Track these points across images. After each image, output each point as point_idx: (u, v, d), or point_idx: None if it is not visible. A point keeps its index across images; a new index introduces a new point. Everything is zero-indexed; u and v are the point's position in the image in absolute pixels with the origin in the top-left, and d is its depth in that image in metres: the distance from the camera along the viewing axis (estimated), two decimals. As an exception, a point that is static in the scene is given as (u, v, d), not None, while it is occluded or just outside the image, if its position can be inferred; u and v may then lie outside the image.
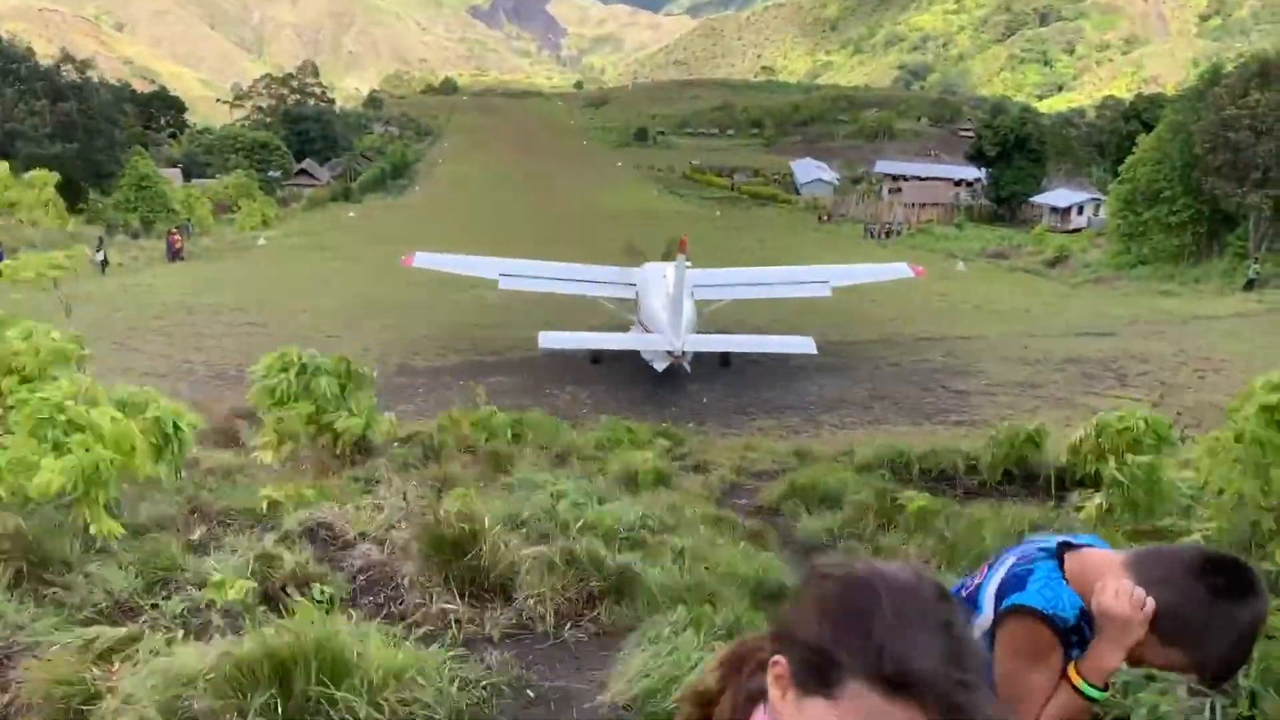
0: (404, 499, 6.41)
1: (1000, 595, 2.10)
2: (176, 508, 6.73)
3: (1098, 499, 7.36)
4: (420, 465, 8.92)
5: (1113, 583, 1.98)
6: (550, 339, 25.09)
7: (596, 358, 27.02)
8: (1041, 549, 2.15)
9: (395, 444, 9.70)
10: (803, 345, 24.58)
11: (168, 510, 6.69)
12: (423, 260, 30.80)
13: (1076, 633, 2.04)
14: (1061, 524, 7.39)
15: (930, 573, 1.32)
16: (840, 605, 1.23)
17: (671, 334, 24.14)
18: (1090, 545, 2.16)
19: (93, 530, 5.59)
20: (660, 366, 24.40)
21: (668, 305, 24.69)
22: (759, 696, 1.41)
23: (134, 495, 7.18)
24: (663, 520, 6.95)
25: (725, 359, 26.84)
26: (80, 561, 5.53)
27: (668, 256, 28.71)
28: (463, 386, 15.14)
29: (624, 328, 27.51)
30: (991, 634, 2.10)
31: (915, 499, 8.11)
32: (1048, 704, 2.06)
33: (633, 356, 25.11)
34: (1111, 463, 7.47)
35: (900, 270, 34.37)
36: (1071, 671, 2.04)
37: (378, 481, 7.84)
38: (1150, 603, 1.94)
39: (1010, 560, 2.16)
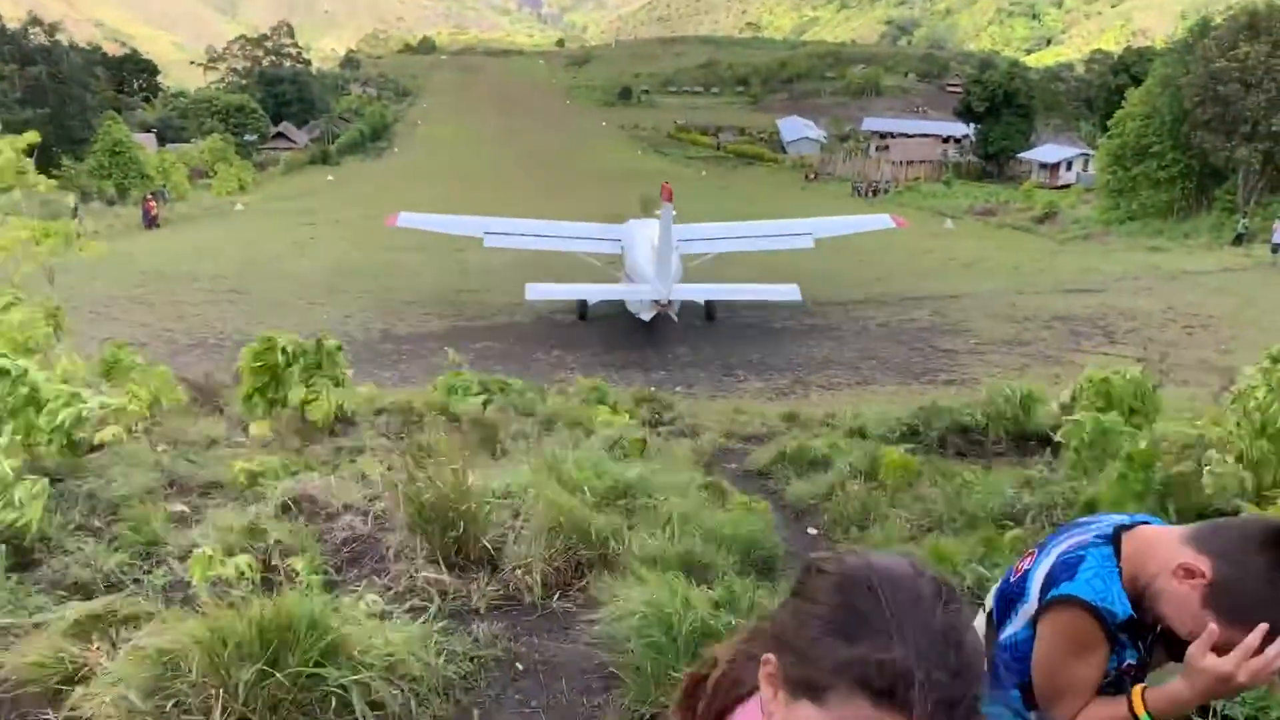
0: (387, 468, 6.29)
1: (1048, 583, 1.96)
2: (156, 480, 6.59)
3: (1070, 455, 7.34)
4: (403, 434, 8.79)
5: (1238, 653, 1.78)
6: (537, 290, 25.52)
7: (583, 313, 27.38)
8: (1097, 535, 2.00)
9: (378, 413, 9.57)
10: (789, 293, 25.25)
11: (146, 482, 6.55)
12: (406, 220, 30.70)
13: (1126, 629, 1.91)
14: (1052, 486, 7.33)
15: (930, 568, 1.23)
16: (832, 607, 1.18)
17: (658, 282, 24.55)
18: (1145, 523, 2.03)
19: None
20: (647, 316, 24.95)
21: (653, 256, 24.92)
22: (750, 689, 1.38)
23: (109, 468, 7.05)
24: (651, 484, 6.86)
25: (710, 313, 27.38)
26: (61, 536, 5.41)
27: (649, 211, 29.39)
28: (446, 353, 14.99)
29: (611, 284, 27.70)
30: (1034, 622, 1.98)
31: (898, 457, 8.05)
32: (1090, 705, 1.94)
33: (620, 314, 25.38)
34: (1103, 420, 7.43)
35: (883, 221, 34.85)
36: (1136, 698, 1.90)
37: (360, 451, 7.72)
38: (1270, 666, 1.77)
39: (1062, 545, 2.01)
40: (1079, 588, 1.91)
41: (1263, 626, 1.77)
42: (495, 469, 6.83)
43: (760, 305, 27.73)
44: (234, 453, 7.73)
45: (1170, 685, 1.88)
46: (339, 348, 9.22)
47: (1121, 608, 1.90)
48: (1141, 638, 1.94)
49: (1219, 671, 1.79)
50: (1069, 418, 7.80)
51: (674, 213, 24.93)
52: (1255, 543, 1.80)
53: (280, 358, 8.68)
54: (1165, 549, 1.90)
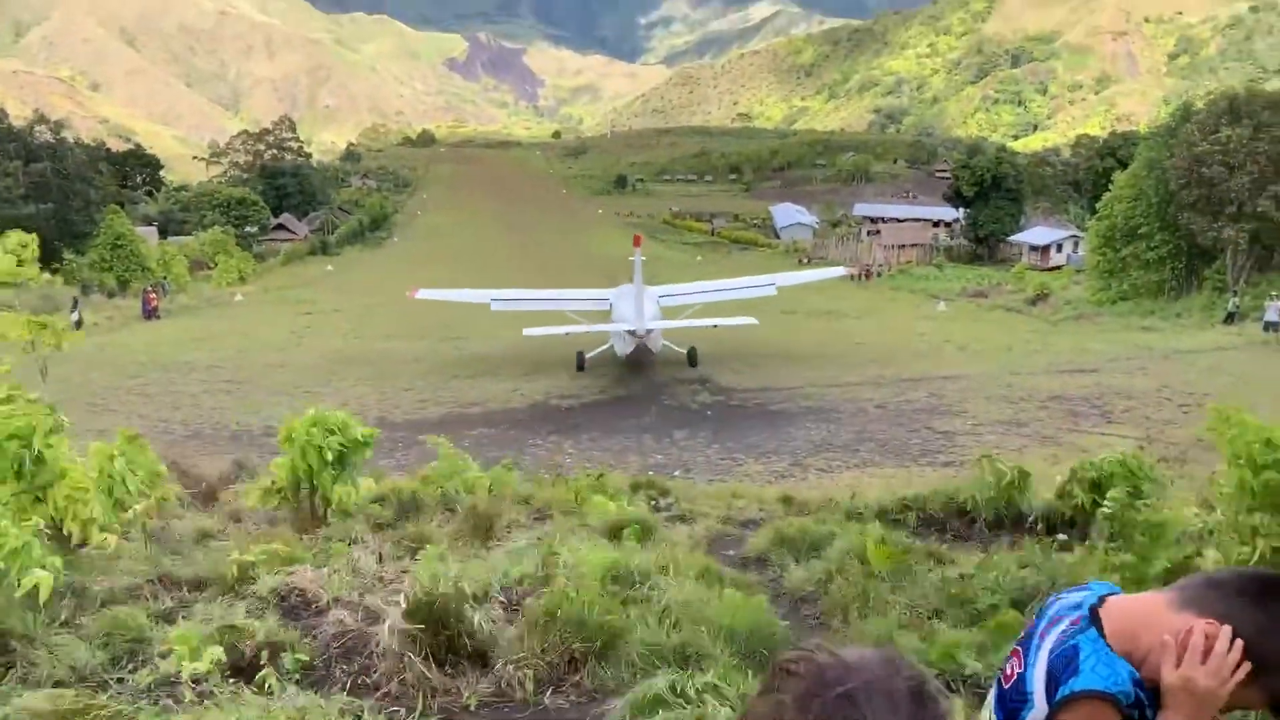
0: (378, 559, 6.21)
1: (1051, 683, 1.88)
2: (143, 577, 6.50)
3: (1091, 542, 7.27)
4: (396, 524, 8.70)
5: (1192, 653, 1.78)
6: (533, 332, 30.74)
7: (581, 365, 31.26)
8: (1072, 617, 1.94)
9: (371, 501, 9.49)
10: (747, 321, 32.05)
11: (134, 580, 6.46)
12: (425, 294, 35.92)
13: (1137, 706, 1.85)
14: (1053, 569, 7.25)
15: (908, 663, 1.18)
16: (800, 711, 1.13)
17: (635, 318, 29.24)
18: (1112, 594, 1.99)
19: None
20: (626, 350, 29.94)
21: (631, 297, 29.96)
22: None
23: (101, 564, 6.96)
24: (647, 573, 6.76)
25: (692, 360, 31.75)
26: (43, 634, 5.31)
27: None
28: (443, 441, 14.92)
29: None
30: None
31: (896, 542, 7.96)
32: None
33: (615, 402, 25.74)
34: (1101, 501, 7.38)
35: (836, 271, 45.21)
36: None
37: (353, 542, 7.63)
38: (1242, 664, 1.76)
39: (1049, 640, 1.94)
40: (1089, 680, 1.84)
41: (1200, 624, 1.78)
42: (489, 558, 6.74)
43: (760, 388, 28.24)
44: (227, 546, 7.64)
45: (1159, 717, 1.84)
46: (373, 435, 9.14)
47: (1129, 684, 1.84)
48: (1148, 707, 1.87)
49: (1182, 682, 1.77)
50: (1061, 501, 7.73)
51: (643, 258, 30.28)
52: (1252, 596, 1.78)
53: (324, 440, 8.56)
54: (1159, 618, 1.86)
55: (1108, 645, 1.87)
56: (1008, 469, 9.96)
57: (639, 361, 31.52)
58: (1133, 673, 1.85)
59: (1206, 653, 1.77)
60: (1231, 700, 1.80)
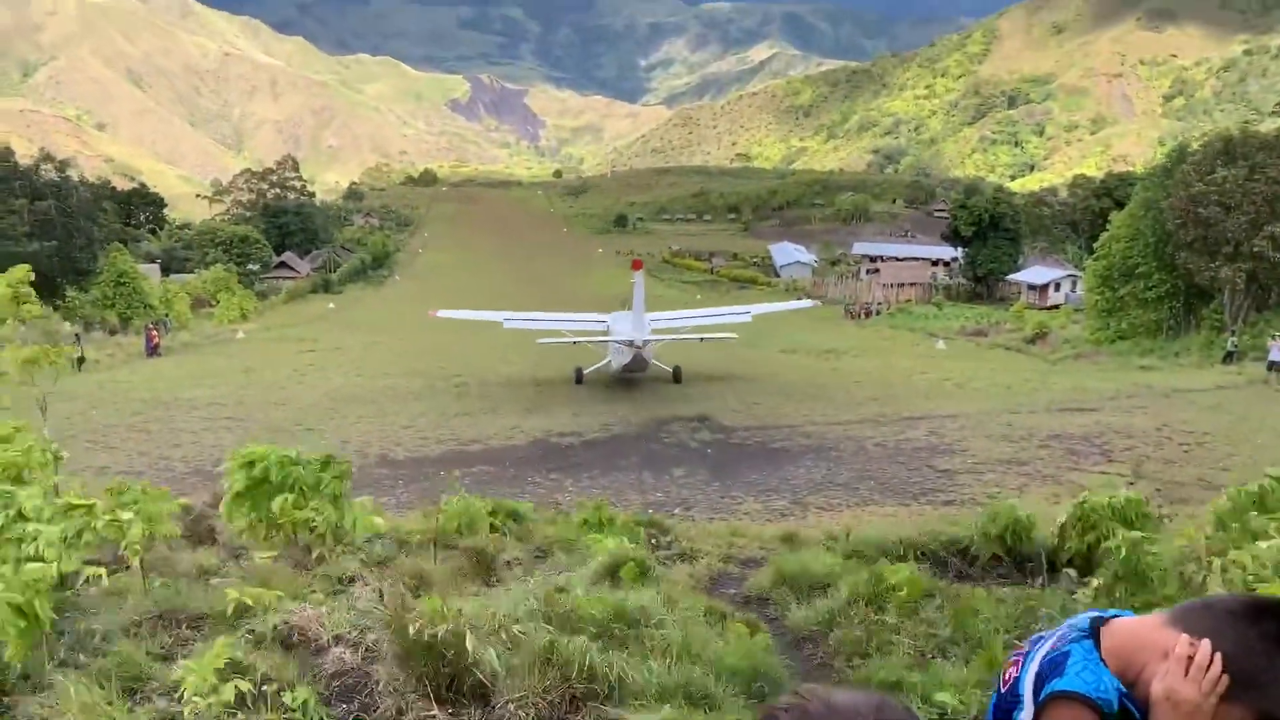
0: (379, 598, 6.19)
1: (1039, 684, 1.95)
2: (142, 614, 6.48)
3: (1096, 580, 7.26)
4: (397, 561, 8.68)
5: (1174, 665, 1.82)
6: (545, 340, 36.12)
7: (580, 379, 35.07)
8: (1075, 629, 2.01)
9: (371, 539, 9.46)
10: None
11: (135, 616, 6.44)
12: (444, 313, 41.61)
13: (1123, 717, 1.89)
14: (1058, 608, 7.23)
15: (897, 706, 1.18)
16: None
17: (634, 330, 33.23)
18: (1116, 616, 2.04)
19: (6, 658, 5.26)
20: (623, 361, 33.76)
21: (630, 313, 33.93)
22: None
23: (100, 601, 6.93)
24: (649, 612, 6.74)
25: (677, 376, 35.52)
26: (40, 675, 5.28)
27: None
28: (444, 477, 14.92)
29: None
30: None
31: (899, 580, 7.93)
32: None
33: (615, 439, 25.74)
34: (1104, 539, 7.40)
35: (806, 303, 52.27)
36: None
37: (353, 579, 7.61)
38: (1222, 676, 1.78)
39: (1045, 646, 2.01)
40: (1070, 682, 1.89)
41: (1184, 638, 1.81)
42: (490, 596, 6.72)
43: (759, 425, 28.26)
44: (226, 582, 7.61)
45: None
46: (345, 466, 9.13)
47: (1114, 696, 1.88)
48: None
49: (1165, 693, 1.81)
50: (1062, 540, 7.73)
51: (644, 279, 34.53)
52: (1245, 618, 1.82)
53: (271, 471, 8.58)
54: (1150, 637, 1.90)
55: (1100, 658, 1.92)
56: (1011, 511, 9.96)
57: (632, 379, 35.33)
58: (1119, 687, 1.89)
59: (1189, 666, 1.81)
60: (1217, 717, 1.82)
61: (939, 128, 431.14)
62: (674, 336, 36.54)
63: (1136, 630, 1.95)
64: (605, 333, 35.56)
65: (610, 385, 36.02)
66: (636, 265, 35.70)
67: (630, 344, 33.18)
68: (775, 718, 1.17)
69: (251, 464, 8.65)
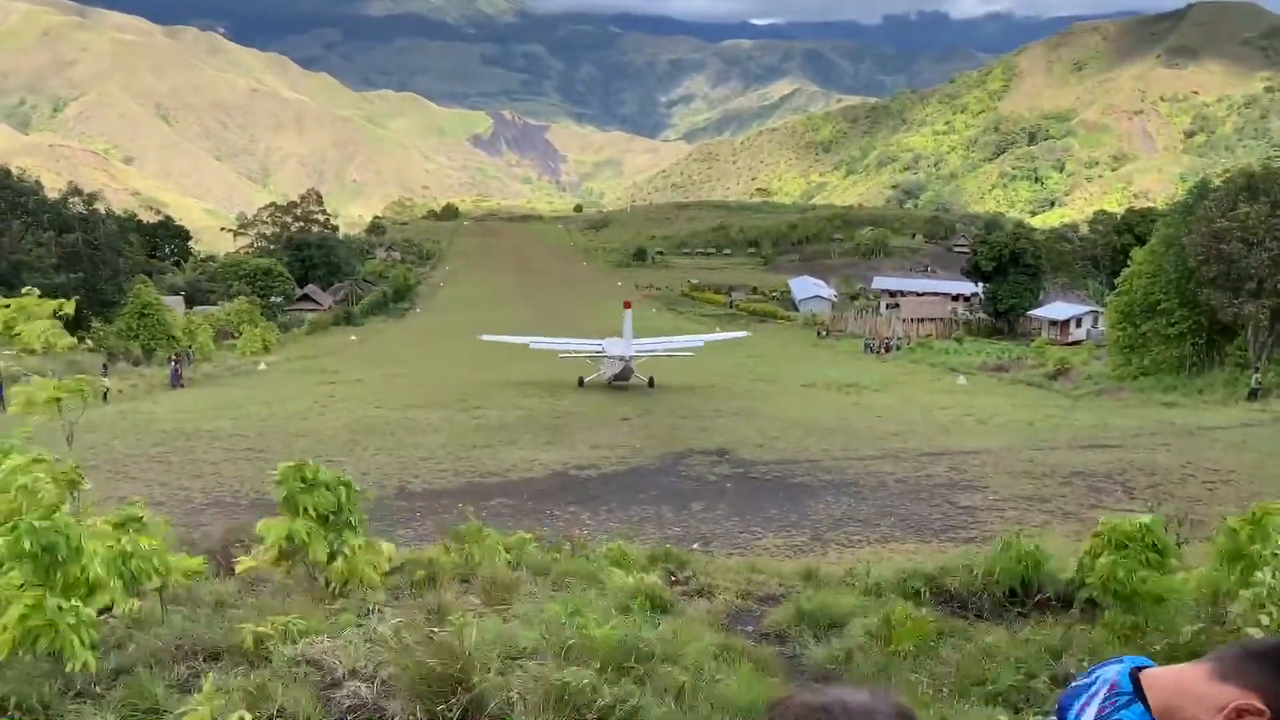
0: (395, 631, 6.19)
1: None
2: (162, 644, 6.50)
3: (1114, 617, 7.20)
4: (413, 594, 8.67)
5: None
6: (555, 350, 48.71)
7: (581, 383, 45.50)
8: (1120, 691, 1.89)
9: (389, 571, 9.47)
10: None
11: (153, 647, 6.46)
12: (487, 338, 54.34)
13: None
14: (1076, 645, 7.14)
15: (893, 699, 1.20)
16: None
17: (622, 350, 44.37)
18: (1144, 666, 1.95)
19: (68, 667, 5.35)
20: (613, 372, 44.45)
21: (620, 339, 45.13)
22: None
23: (119, 632, 6.96)
24: (665, 649, 6.70)
25: (651, 383, 45.14)
26: (59, 705, 5.31)
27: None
28: (461, 510, 14.92)
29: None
30: None
31: (918, 619, 7.87)
32: None
33: (632, 472, 25.77)
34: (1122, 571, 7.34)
35: (742, 334, 64.93)
36: None
37: (370, 612, 7.61)
38: None
39: (1090, 712, 1.89)
40: None
41: (1238, 702, 1.72)
42: (506, 630, 6.70)
43: (779, 460, 28.14)
44: (243, 615, 7.63)
45: None
46: (356, 491, 9.18)
47: None
48: None
49: None
50: (1079, 575, 7.66)
51: (631, 315, 45.45)
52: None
53: (311, 499, 8.61)
54: (1199, 691, 1.81)
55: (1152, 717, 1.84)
56: (1026, 545, 9.87)
57: (621, 386, 44.89)
58: None
59: None
60: None
61: (959, 163, 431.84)
62: (647, 354, 47.40)
63: (1182, 684, 1.85)
64: (602, 352, 45.95)
65: (628, 419, 36.29)
66: (627, 305, 47.32)
67: (620, 359, 44.46)
68: (781, 708, 1.19)
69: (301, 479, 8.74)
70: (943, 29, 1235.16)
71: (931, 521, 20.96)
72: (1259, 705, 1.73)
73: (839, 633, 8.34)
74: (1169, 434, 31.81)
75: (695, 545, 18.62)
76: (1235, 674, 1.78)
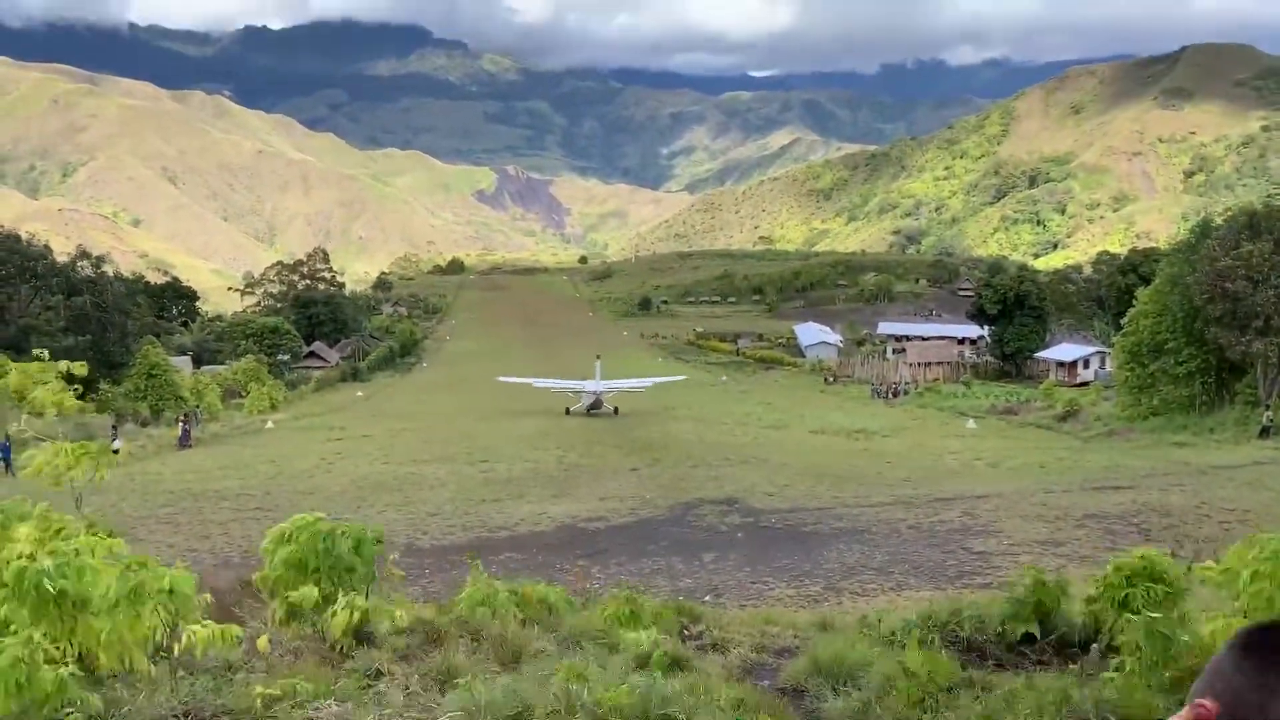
0: (404, 694, 6.10)
1: None
2: (168, 709, 6.40)
3: (1128, 661, 7.11)
4: (423, 654, 8.56)
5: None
6: (539, 383, 65.34)
7: (568, 411, 59.58)
8: None
9: (397, 631, 9.35)
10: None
11: (159, 712, 6.36)
12: (503, 379, 67.77)
13: None
14: (1096, 691, 7.02)
15: None
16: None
17: (595, 387, 59.61)
18: None
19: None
20: (589, 403, 59.22)
21: (595, 380, 60.39)
22: None
23: (124, 695, 6.87)
24: (680, 707, 6.58)
25: (616, 410, 59.21)
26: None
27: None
28: (469, 565, 14.77)
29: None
30: None
31: (935, 668, 7.73)
32: None
33: (642, 523, 25.66)
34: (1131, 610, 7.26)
35: (680, 377, 77.19)
36: None
37: (379, 674, 7.50)
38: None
39: None
40: None
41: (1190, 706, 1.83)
42: (516, 689, 6.60)
43: (790, 508, 27.98)
44: (251, 677, 7.53)
45: None
46: (376, 540, 9.11)
47: None
48: None
49: None
50: (1092, 614, 7.56)
51: (601, 364, 62.31)
52: (1236, 654, 1.82)
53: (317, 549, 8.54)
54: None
55: None
56: (1038, 584, 9.75)
57: (595, 415, 58.86)
58: None
59: None
60: None
61: (960, 208, 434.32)
62: (617, 390, 63.09)
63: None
64: (581, 390, 61.54)
65: (636, 469, 36.38)
66: (598, 357, 66.03)
67: (593, 394, 60.10)
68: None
69: (288, 539, 8.66)
70: (940, 77, 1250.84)
71: (946, 568, 20.74)
72: (1206, 703, 1.82)
73: (857, 684, 8.20)
74: (1182, 474, 31.58)
75: (707, 597, 18.43)
76: (1196, 686, 1.89)
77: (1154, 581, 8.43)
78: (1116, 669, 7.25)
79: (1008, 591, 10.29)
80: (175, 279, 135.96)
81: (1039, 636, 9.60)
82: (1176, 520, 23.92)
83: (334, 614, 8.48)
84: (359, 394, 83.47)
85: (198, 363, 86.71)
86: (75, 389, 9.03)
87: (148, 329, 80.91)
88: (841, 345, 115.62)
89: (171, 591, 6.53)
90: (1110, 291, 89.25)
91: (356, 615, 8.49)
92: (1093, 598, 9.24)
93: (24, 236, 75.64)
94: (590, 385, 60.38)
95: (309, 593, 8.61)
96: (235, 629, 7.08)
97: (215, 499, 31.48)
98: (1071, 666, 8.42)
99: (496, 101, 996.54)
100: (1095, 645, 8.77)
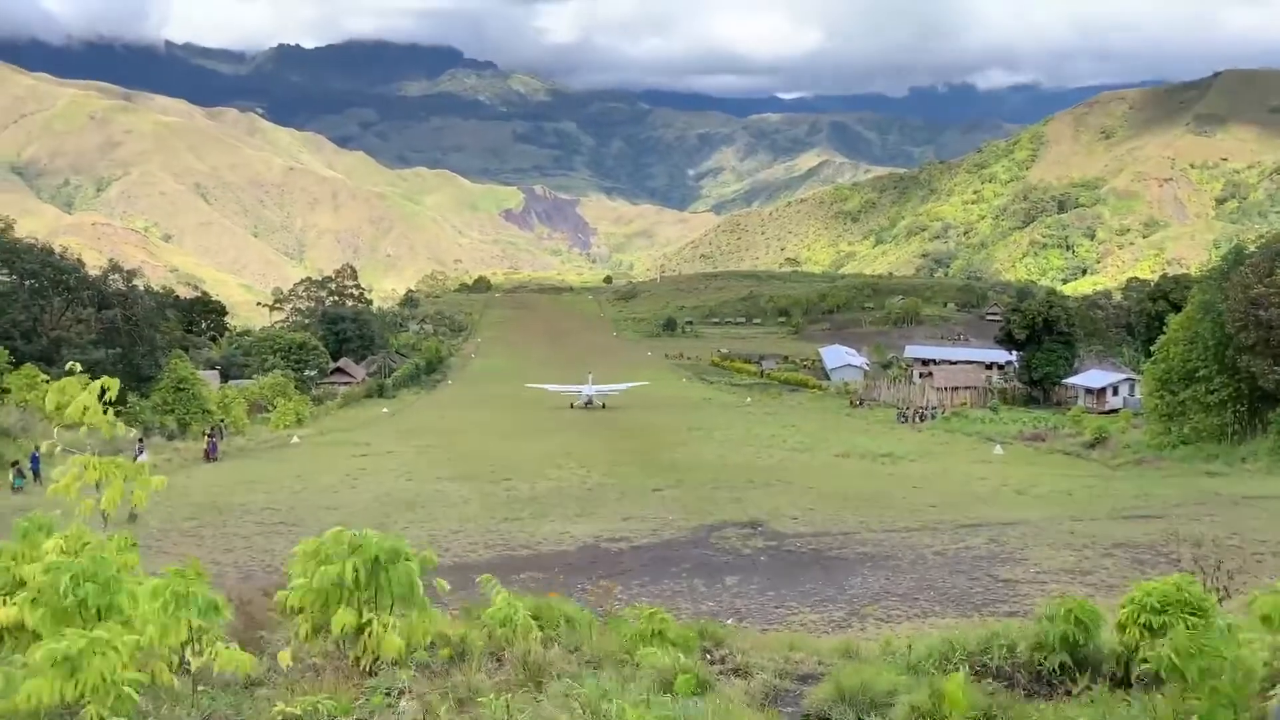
0: (425, 715, 6.04)
1: None
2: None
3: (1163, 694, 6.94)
4: (445, 673, 8.49)
5: None
6: (554, 389, 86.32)
7: (571, 406, 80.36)
8: None
9: (416, 650, 9.30)
10: (622, 386, 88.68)
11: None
12: (531, 386, 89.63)
13: None
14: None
15: None
16: None
17: (589, 390, 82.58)
18: None
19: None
20: (583, 403, 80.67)
21: (589, 385, 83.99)
22: None
23: (147, 709, 6.85)
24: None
25: (603, 405, 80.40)
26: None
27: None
28: (490, 583, 14.70)
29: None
30: None
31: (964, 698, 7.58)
32: None
33: (663, 544, 25.56)
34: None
35: (644, 383, 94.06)
36: None
37: (401, 693, 7.45)
38: None
39: None
40: None
41: None
42: (539, 711, 6.53)
43: (814, 532, 27.78)
44: (272, 694, 7.49)
45: None
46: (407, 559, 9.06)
47: None
48: None
49: None
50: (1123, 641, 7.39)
51: (592, 375, 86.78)
52: None
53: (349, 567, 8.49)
54: None
55: None
56: (1067, 613, 9.56)
57: (590, 409, 75.93)
58: None
59: None
60: None
61: (988, 232, 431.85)
62: (606, 392, 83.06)
63: None
64: (579, 393, 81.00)
65: (659, 489, 36.30)
66: (589, 373, 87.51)
67: (588, 396, 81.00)
68: None
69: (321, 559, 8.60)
70: (969, 101, 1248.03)
71: (972, 595, 20.48)
72: None
73: (883, 712, 8.06)
74: (1213, 504, 31.08)
75: (729, 620, 18.26)
76: None
77: (1189, 612, 8.23)
78: (1163, 701, 7.08)
79: (1036, 622, 10.11)
80: (204, 293, 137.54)
81: (1072, 665, 9.41)
82: (1206, 551, 23.50)
83: (376, 636, 8.36)
84: (384, 410, 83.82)
85: (225, 377, 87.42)
86: (108, 405, 9.05)
87: (176, 343, 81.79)
88: (867, 368, 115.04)
89: (216, 607, 6.54)
90: (1140, 318, 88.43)
91: (410, 638, 8.44)
92: (1122, 624, 9.04)
93: (58, 250, 76.73)
94: (585, 390, 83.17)
95: (347, 617, 8.49)
96: (251, 659, 7.06)
97: (240, 513, 31.63)
98: (1108, 696, 8.24)
99: (525, 121, 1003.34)
100: (1134, 673, 8.58)
